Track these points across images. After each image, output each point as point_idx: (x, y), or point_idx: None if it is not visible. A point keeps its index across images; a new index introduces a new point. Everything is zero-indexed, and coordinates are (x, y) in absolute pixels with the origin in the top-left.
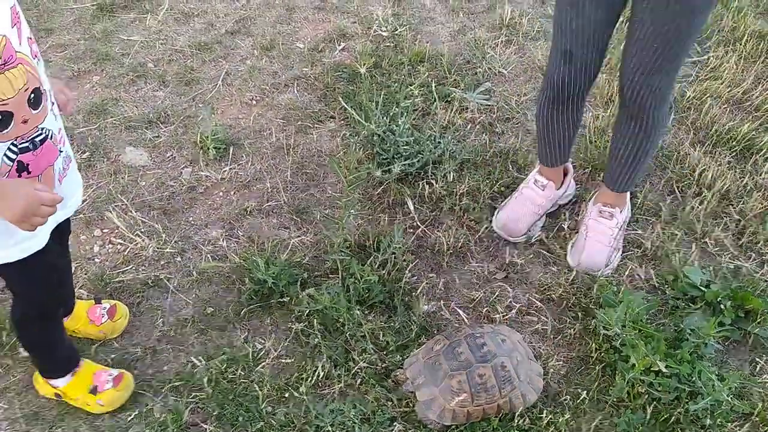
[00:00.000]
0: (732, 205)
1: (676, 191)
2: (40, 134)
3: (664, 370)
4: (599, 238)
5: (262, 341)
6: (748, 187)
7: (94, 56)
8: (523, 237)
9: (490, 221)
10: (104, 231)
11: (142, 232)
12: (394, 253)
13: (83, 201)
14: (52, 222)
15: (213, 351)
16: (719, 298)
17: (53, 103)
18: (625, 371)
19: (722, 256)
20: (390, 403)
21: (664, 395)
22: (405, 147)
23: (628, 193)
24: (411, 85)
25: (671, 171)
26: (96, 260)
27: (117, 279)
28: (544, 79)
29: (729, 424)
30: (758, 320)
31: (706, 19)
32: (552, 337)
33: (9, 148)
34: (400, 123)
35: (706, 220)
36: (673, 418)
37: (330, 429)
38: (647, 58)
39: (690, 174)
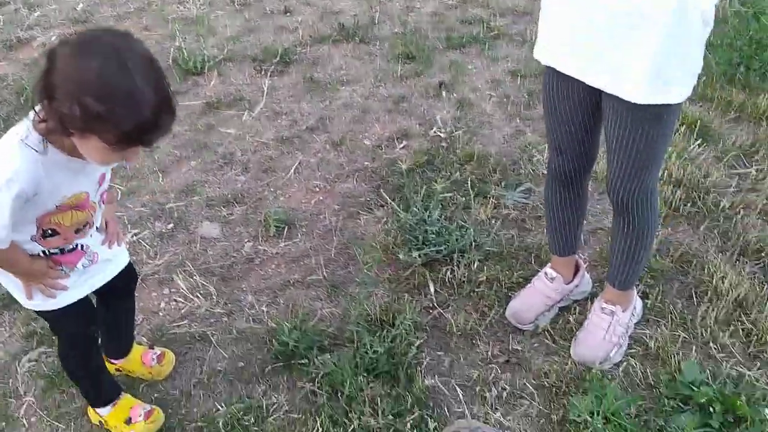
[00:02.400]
0: (746, 314)
1: (693, 296)
2: (72, 246)
3: None
4: (597, 332)
5: (277, 396)
6: None
7: (195, 145)
8: (531, 326)
9: (504, 309)
10: (171, 290)
11: (200, 293)
12: (405, 329)
13: (158, 264)
14: (86, 289)
15: (235, 399)
16: (711, 401)
17: (97, 230)
18: None
19: (727, 361)
20: None
21: None
22: (433, 236)
23: (634, 293)
24: (454, 181)
25: (691, 276)
26: (160, 314)
27: (172, 331)
28: (547, 167)
29: None
30: (746, 427)
31: (673, 125)
32: (537, 420)
33: (44, 251)
34: (432, 214)
35: (717, 326)
36: None
37: None
38: (621, 164)
39: (708, 280)
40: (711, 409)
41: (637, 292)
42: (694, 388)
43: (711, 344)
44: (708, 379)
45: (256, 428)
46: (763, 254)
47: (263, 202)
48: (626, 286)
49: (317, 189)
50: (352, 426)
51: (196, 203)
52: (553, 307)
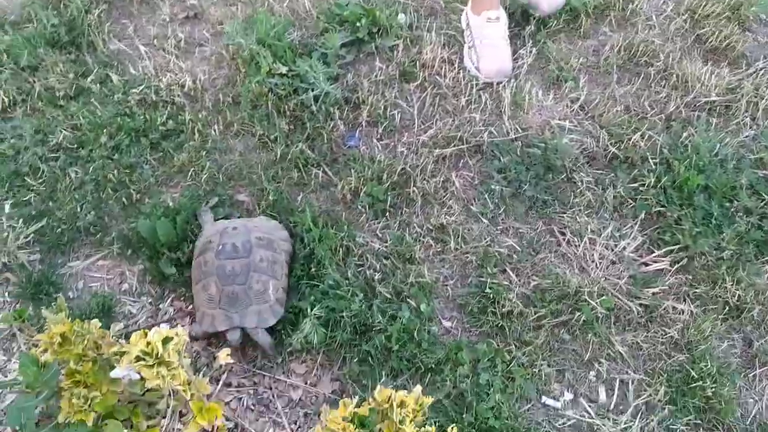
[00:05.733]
0: None
1: None
2: None
3: (284, 71)
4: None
5: None
6: None
7: None
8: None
9: None
10: None
11: None
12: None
13: None
14: None
15: None
16: (358, 18)
17: None
18: (252, 75)
19: None
20: (60, 118)
21: (283, 91)
22: None
23: None
24: None
25: None
26: None
27: None
28: None
29: (332, 108)
30: (385, 33)
31: None
32: (211, 59)
33: None
34: None
35: None
36: (289, 106)
37: (10, 140)
38: None
39: None
40: (358, 24)
41: None
42: (345, 10)
43: None
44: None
45: None
46: None
47: None
48: None
49: None
50: (36, 90)
51: None
52: None
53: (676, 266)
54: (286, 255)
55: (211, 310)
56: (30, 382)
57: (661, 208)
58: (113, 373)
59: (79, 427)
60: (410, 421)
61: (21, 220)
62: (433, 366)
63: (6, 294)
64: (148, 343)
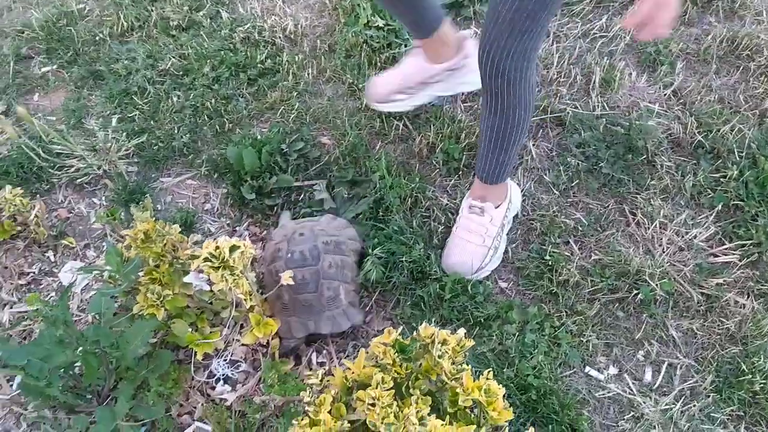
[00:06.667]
0: None
1: None
2: None
3: (381, 25)
4: (469, 237)
5: (91, 2)
6: None
7: None
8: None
9: None
10: None
11: None
12: None
13: None
14: None
15: (50, 5)
16: None
17: None
18: (350, 25)
19: None
20: (171, 46)
21: (378, 44)
22: None
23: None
24: None
25: None
26: None
27: None
28: None
29: None
30: None
31: None
32: (314, 6)
33: None
34: None
35: None
36: (381, 59)
37: (124, 61)
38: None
39: None
40: None
41: None
42: None
43: None
44: None
45: (70, 27)
46: None
47: None
48: (498, 180)
49: None
50: (152, 18)
51: None
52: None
53: (745, 260)
54: (354, 255)
55: (287, 317)
56: (113, 271)
57: (740, 202)
58: (186, 278)
59: (150, 319)
60: (448, 358)
61: (125, 134)
62: (482, 320)
63: (103, 198)
64: (217, 247)
